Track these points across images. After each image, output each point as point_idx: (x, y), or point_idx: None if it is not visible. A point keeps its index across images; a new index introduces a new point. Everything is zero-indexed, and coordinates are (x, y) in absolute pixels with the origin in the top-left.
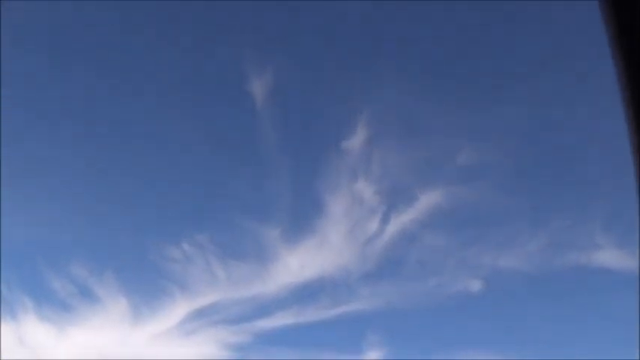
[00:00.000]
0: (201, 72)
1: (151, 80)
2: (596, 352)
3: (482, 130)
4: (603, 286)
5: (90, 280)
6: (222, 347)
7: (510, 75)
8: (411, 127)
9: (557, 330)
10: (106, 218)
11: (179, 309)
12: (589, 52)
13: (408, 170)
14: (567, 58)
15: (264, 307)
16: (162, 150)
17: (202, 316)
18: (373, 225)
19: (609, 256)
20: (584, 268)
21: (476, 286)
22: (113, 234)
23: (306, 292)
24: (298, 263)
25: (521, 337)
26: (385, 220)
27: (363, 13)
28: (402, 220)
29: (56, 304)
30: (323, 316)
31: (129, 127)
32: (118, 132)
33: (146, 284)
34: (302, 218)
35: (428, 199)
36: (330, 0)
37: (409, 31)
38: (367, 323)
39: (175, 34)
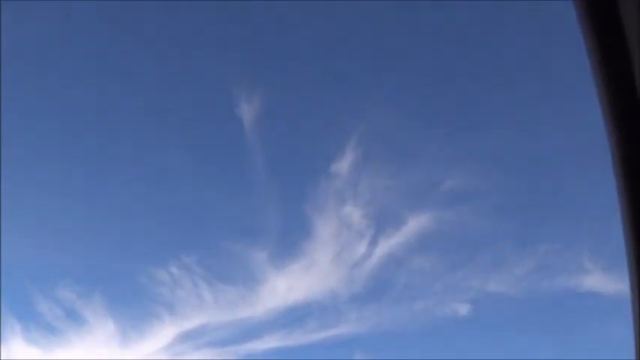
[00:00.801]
0: (189, 95)
1: (139, 104)
2: None
3: (471, 154)
4: (592, 310)
5: (77, 302)
6: None
7: (499, 101)
8: (399, 152)
9: (546, 354)
10: (94, 241)
11: (167, 332)
12: (580, 78)
13: (396, 194)
14: (557, 85)
15: (251, 330)
16: (150, 172)
17: (190, 339)
18: (361, 248)
19: (597, 281)
20: (572, 292)
21: (463, 309)
22: (101, 257)
23: (293, 315)
24: (286, 286)
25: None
26: (373, 243)
27: (352, 38)
28: (390, 243)
29: (43, 327)
30: (310, 339)
31: (116, 149)
32: (105, 155)
33: (134, 307)
34: (290, 241)
35: (416, 223)
36: (319, 24)
37: (398, 56)
38: (354, 346)
39: (163, 57)
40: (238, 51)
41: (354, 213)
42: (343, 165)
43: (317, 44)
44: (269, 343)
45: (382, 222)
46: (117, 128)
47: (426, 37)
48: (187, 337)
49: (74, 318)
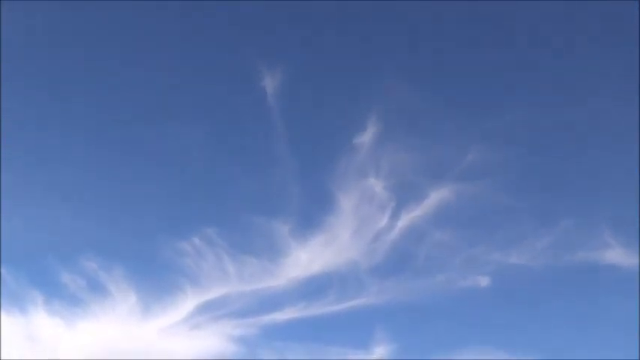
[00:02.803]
0: (214, 69)
1: (163, 78)
2: (604, 348)
3: (491, 129)
4: (612, 283)
5: (100, 274)
6: (229, 340)
7: (519, 77)
8: (420, 126)
9: (566, 326)
10: (117, 213)
11: (188, 302)
12: (596, 55)
13: (417, 168)
14: (575, 61)
15: (272, 301)
16: (174, 146)
17: (211, 310)
18: (382, 221)
19: (618, 255)
20: (592, 266)
21: (484, 282)
22: (123, 229)
23: (314, 287)
24: (307, 258)
25: (528, 334)
26: (394, 216)
27: (375, 14)
28: (411, 216)
29: (66, 299)
30: (331, 311)
31: (140, 124)
32: (129, 129)
33: (156, 278)
34: (312, 214)
35: (437, 197)
36: (342, 1)
37: (420, 33)
38: (374, 318)
39: (189, 32)
40: (263, 27)
41: (375, 186)
42: (365, 139)
43: (340, 21)
44: (289, 314)
45: (403, 195)
46: (141, 104)
47: (449, 17)
48: (208, 308)
49: (96, 289)
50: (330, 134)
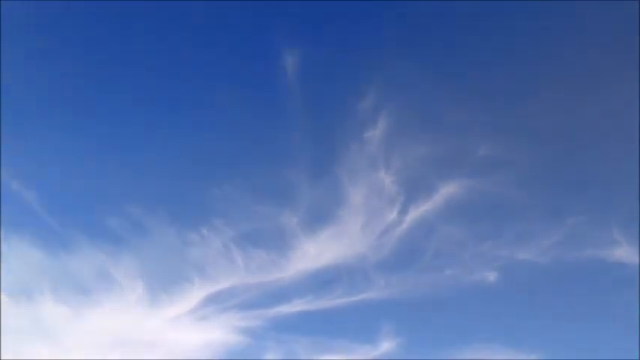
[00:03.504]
0: (226, 64)
1: (174, 74)
2: (611, 344)
3: (502, 125)
4: (620, 281)
5: (107, 262)
6: (235, 332)
7: (530, 73)
8: (431, 121)
9: (573, 322)
10: (125, 203)
11: (196, 293)
12: (610, 51)
13: (428, 162)
14: (587, 58)
15: (279, 294)
16: (184, 137)
17: (218, 301)
18: (391, 215)
19: (626, 252)
20: (600, 263)
21: (491, 277)
22: (131, 217)
23: (322, 280)
24: (316, 251)
25: (535, 330)
26: (403, 210)
27: (390, 9)
28: (420, 211)
29: (73, 287)
30: (338, 304)
31: (152, 114)
32: (140, 120)
33: (164, 268)
34: (321, 207)
35: (446, 191)
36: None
37: (433, 28)
38: (381, 312)
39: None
40: (272, 22)
41: (385, 180)
42: (376, 133)
43: (355, 17)
44: (297, 306)
45: (413, 190)
46: (150, 97)
47: (463, 12)
48: (216, 299)
49: (104, 278)
50: (341, 127)
